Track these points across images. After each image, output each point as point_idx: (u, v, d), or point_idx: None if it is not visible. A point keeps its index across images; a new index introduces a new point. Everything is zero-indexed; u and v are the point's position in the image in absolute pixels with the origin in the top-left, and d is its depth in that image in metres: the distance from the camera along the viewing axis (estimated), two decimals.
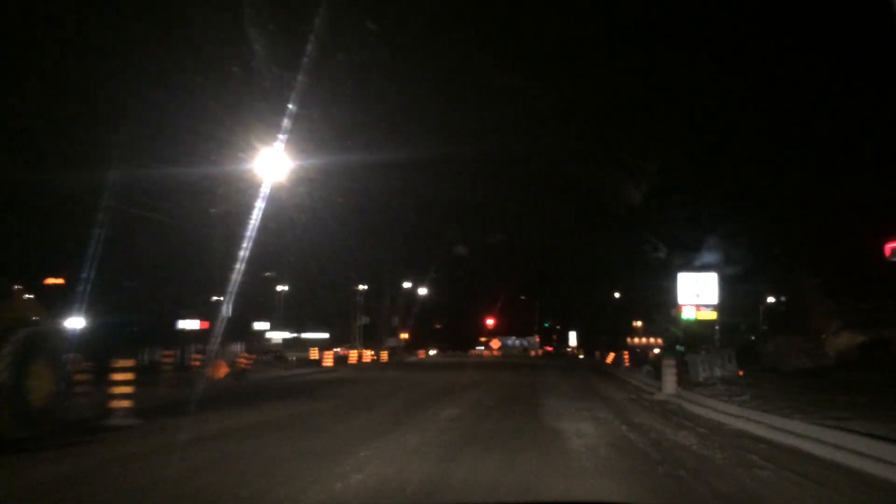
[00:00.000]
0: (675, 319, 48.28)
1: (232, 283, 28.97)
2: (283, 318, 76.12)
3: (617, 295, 78.76)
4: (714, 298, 44.09)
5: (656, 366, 26.19)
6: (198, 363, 21.63)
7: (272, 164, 25.65)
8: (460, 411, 13.15)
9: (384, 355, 41.19)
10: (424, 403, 14.70)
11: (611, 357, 42.22)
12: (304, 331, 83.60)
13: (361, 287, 65.18)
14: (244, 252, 28.58)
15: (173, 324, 43.61)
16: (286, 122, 26.35)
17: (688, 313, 44.81)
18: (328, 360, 32.34)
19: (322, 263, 67.57)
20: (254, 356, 23.12)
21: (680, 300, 44.65)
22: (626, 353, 32.81)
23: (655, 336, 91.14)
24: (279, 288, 67.12)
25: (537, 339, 74.83)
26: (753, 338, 65.65)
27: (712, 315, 44.46)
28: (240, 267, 28.86)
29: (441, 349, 71.88)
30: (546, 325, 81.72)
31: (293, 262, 59.02)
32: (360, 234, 60.63)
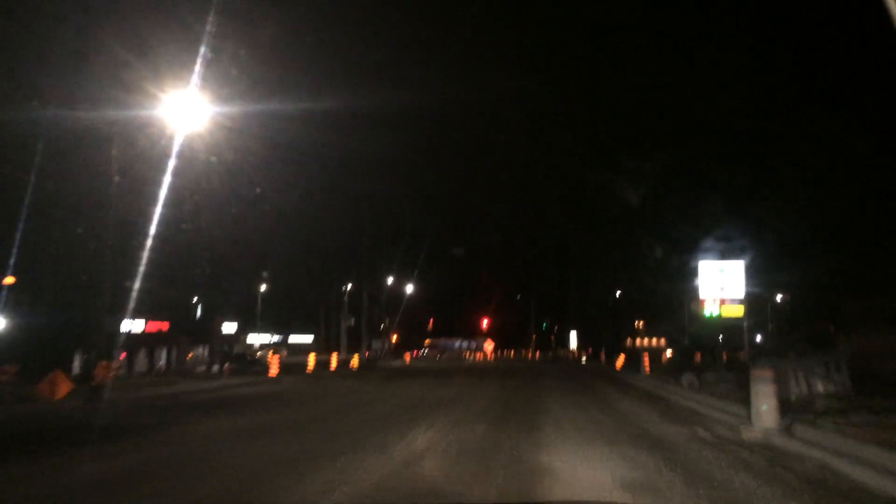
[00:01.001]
0: (695, 316, 40.28)
1: (142, 263, 21.42)
2: (266, 320, 68.32)
3: (619, 294, 70.90)
4: (741, 291, 36.05)
5: (698, 375, 18.21)
6: (5, 376, 13.64)
7: (189, 118, 18.07)
8: (376, 490, 5.29)
9: (355, 361, 33.15)
10: (331, 456, 6.90)
11: (621, 361, 34.16)
12: (290, 333, 75.77)
13: (347, 286, 57.42)
14: (153, 228, 20.88)
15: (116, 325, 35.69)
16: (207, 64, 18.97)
17: (710, 309, 36.79)
18: (273, 369, 24.37)
19: (302, 256, 59.98)
20: (115, 365, 15.22)
21: (702, 294, 36.59)
22: (645, 355, 24.83)
23: (658, 336, 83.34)
24: (262, 287, 59.42)
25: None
26: (760, 337, 58.09)
27: (738, 311, 36.41)
28: (149, 244, 21.20)
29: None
30: (544, 325, 73.49)
31: (269, 253, 51.45)
32: (337, 221, 52.98)
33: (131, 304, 21.69)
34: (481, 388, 18.84)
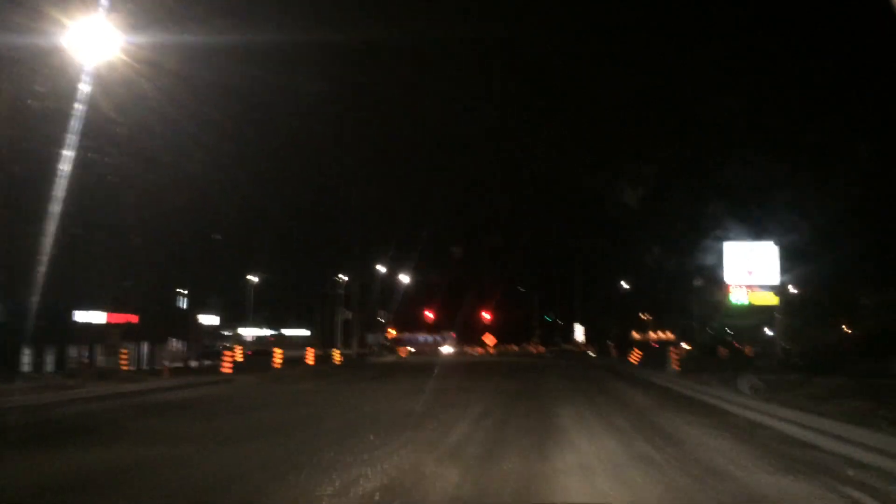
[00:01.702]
0: (719, 305, 35.23)
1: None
2: (260, 314, 63.70)
3: (625, 286, 65.73)
4: (774, 277, 31.01)
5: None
6: None
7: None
8: None
9: (336, 356, 28.34)
10: None
11: (637, 356, 29.24)
12: (286, 327, 71.05)
13: (342, 278, 52.56)
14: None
15: (66, 316, 30.90)
16: None
17: (737, 296, 31.76)
18: (227, 365, 19.61)
19: (295, 245, 55.27)
20: None
21: (727, 278, 31.56)
22: (672, 350, 19.83)
23: (665, 330, 78.10)
24: (250, 278, 54.71)
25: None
26: (772, 333, 53.17)
27: (772, 299, 31.32)
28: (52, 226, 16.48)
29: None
30: (548, 318, 68.42)
31: (253, 238, 46.93)
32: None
33: (37, 290, 16.94)
34: (472, 394, 13.93)
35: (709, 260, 32.69)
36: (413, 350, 49.77)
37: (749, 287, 29.08)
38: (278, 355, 22.91)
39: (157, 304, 37.89)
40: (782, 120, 32.65)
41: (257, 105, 26.16)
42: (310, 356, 26.25)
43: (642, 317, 75.50)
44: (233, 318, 56.90)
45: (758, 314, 41.50)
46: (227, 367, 19.33)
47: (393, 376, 20.83)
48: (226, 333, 54.85)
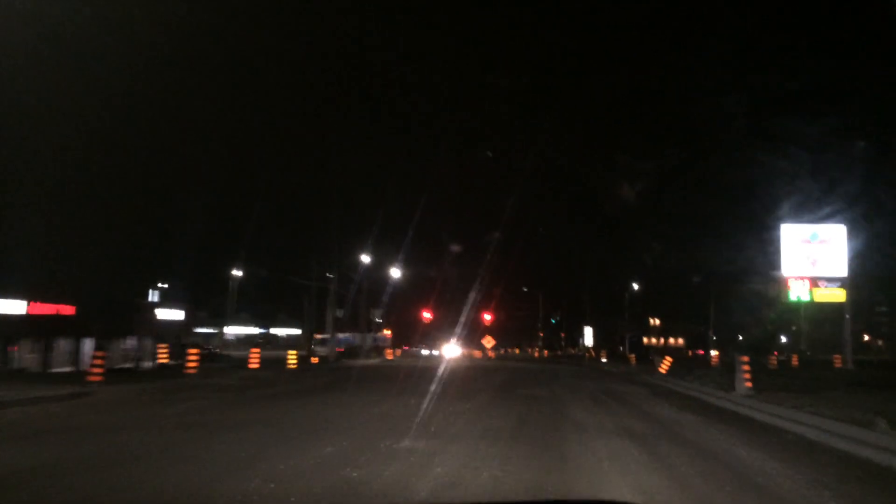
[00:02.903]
0: (776, 300, 28.09)
1: None
2: (250, 311, 57.18)
3: (636, 287, 58.57)
4: (842, 266, 24.11)
5: None
6: None
7: None
8: None
9: (292, 358, 21.60)
10: None
11: (667, 365, 22.26)
12: (275, 326, 64.59)
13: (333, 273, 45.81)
14: None
15: None
16: None
17: (798, 292, 24.85)
18: (96, 372, 12.90)
19: (279, 235, 48.93)
20: None
21: (784, 270, 24.69)
22: (744, 359, 12.89)
23: (676, 336, 71.00)
24: (234, 273, 48.13)
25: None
26: (784, 339, 47.13)
27: (838, 295, 24.40)
28: None
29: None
30: (553, 321, 61.34)
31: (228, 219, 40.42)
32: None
33: None
34: (429, 440, 7.10)
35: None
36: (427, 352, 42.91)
37: (812, 280, 22.00)
38: (193, 358, 16.16)
39: (103, 295, 31.23)
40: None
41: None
42: (255, 359, 19.55)
43: (651, 322, 68.48)
44: (217, 315, 50.42)
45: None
46: (96, 375, 12.62)
47: (345, 389, 14.06)
48: (211, 331, 48.39)
